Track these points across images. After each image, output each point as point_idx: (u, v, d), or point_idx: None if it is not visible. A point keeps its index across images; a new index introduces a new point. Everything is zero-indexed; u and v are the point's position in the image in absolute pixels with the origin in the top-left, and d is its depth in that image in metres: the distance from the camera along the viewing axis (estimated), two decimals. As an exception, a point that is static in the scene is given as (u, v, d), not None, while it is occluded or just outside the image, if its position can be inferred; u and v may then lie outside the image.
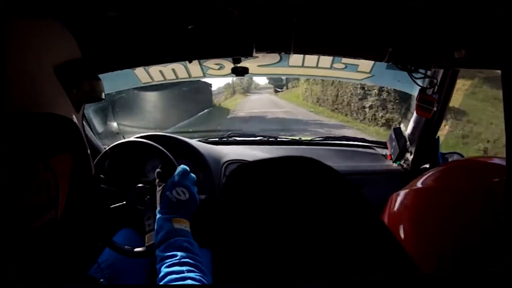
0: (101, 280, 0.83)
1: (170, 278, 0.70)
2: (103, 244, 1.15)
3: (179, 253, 0.74)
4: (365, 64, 1.50)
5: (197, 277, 0.69)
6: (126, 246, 1.08)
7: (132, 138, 1.23)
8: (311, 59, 1.52)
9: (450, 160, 1.41)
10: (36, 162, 0.43)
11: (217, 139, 1.74)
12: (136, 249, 1.07)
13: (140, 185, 1.13)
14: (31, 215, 0.43)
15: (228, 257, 0.35)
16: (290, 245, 0.32)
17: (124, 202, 1.12)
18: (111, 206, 1.13)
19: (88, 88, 0.57)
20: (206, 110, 11.41)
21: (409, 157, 1.48)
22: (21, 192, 0.41)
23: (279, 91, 19.30)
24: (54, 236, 0.46)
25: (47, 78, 0.48)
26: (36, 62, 0.46)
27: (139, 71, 1.55)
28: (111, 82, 1.55)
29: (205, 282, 0.70)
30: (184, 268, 0.71)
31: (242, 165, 0.42)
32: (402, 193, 0.67)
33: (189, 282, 0.68)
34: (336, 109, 9.83)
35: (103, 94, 0.62)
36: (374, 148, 1.72)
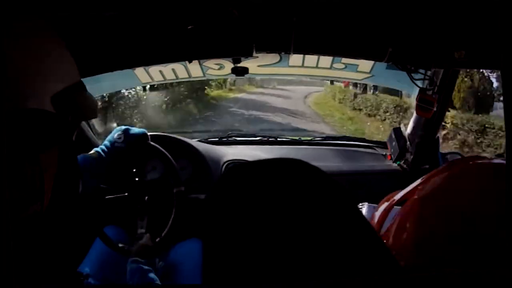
0: (87, 272, 0.84)
1: None
2: (95, 235, 1.14)
3: None
4: (365, 64, 1.50)
5: None
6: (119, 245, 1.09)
7: None
8: (311, 59, 1.51)
9: (450, 160, 1.41)
10: (22, 155, 0.43)
11: (217, 139, 1.74)
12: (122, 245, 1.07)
13: (140, 185, 1.13)
14: (16, 207, 0.43)
15: (217, 255, 0.35)
16: (275, 244, 0.32)
17: (123, 199, 1.12)
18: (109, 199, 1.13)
19: (83, 111, 0.56)
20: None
21: (409, 157, 1.48)
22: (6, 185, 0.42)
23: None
24: (39, 228, 0.47)
25: (45, 106, 0.48)
26: (34, 84, 0.46)
27: (139, 71, 1.55)
28: (111, 82, 1.55)
29: None
30: None
31: (233, 167, 0.43)
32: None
33: None
34: None
35: (96, 113, 0.62)
36: (374, 148, 1.72)
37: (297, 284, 0.30)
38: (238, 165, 0.43)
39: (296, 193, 0.36)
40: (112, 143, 1.03)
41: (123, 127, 1.07)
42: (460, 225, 0.45)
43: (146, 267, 0.93)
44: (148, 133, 1.34)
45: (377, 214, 0.67)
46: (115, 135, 1.04)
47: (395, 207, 0.63)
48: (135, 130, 1.07)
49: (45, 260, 0.50)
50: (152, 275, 0.91)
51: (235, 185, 0.39)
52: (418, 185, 0.58)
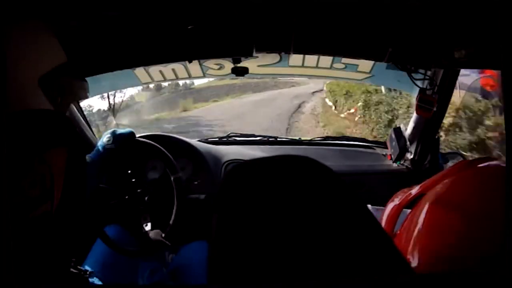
0: (91, 270, 0.85)
1: None
2: (96, 236, 1.15)
3: None
4: (365, 64, 1.50)
5: None
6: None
7: None
8: (311, 59, 1.52)
9: (450, 161, 1.41)
10: (32, 156, 0.44)
11: (217, 139, 1.74)
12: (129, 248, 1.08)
13: (140, 185, 1.13)
14: (27, 206, 0.43)
15: (224, 254, 0.35)
16: (284, 243, 0.32)
17: (123, 201, 1.13)
18: (111, 203, 1.13)
19: (72, 91, 0.57)
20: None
21: (409, 157, 1.48)
22: (17, 185, 0.42)
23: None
24: (49, 228, 0.47)
25: (31, 88, 0.48)
26: (21, 69, 0.46)
27: (139, 71, 1.55)
28: (111, 82, 1.55)
29: None
30: None
31: (239, 165, 0.42)
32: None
33: None
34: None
35: (87, 94, 0.63)
36: (374, 148, 1.72)
37: (305, 284, 0.30)
38: (244, 163, 0.42)
39: (305, 191, 0.35)
40: (103, 146, 1.07)
41: (110, 130, 1.11)
42: (477, 228, 0.45)
43: (156, 265, 0.96)
44: (148, 133, 1.35)
45: (385, 214, 0.67)
46: (105, 139, 1.09)
47: (404, 209, 0.63)
48: (121, 130, 1.13)
49: (47, 260, 0.50)
50: (162, 272, 0.95)
51: (243, 182, 0.38)
52: (425, 188, 0.58)
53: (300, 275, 0.30)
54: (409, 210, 0.59)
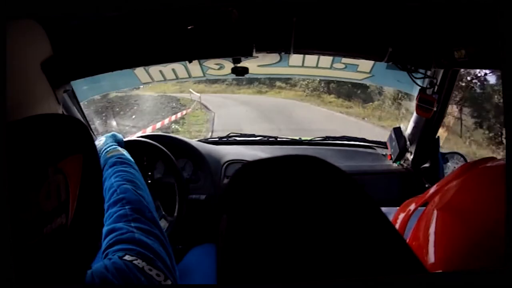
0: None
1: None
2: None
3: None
4: (365, 64, 1.50)
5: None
6: None
7: (132, 138, 1.23)
8: (311, 59, 1.52)
9: (450, 161, 1.41)
10: (46, 166, 0.42)
11: (217, 139, 1.74)
12: None
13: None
14: (41, 220, 0.41)
15: (233, 255, 0.35)
16: (296, 243, 0.32)
17: None
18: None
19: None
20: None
21: (409, 157, 1.48)
22: (31, 197, 0.40)
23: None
24: (65, 241, 0.45)
25: (35, 75, 0.47)
26: (21, 61, 0.46)
27: (139, 71, 1.55)
28: (111, 82, 1.55)
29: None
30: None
31: (248, 164, 0.41)
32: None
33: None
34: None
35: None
36: (374, 148, 1.72)
37: (317, 284, 0.29)
38: (253, 162, 0.41)
39: (316, 191, 0.35)
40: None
41: (108, 134, 1.03)
42: (482, 232, 0.44)
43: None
44: (148, 133, 1.35)
45: (397, 225, 0.67)
46: (104, 145, 1.00)
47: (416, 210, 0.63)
48: (118, 134, 1.06)
49: (63, 276, 0.48)
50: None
51: (253, 182, 0.38)
52: (434, 192, 0.57)
53: (313, 275, 0.30)
54: (416, 218, 0.59)
